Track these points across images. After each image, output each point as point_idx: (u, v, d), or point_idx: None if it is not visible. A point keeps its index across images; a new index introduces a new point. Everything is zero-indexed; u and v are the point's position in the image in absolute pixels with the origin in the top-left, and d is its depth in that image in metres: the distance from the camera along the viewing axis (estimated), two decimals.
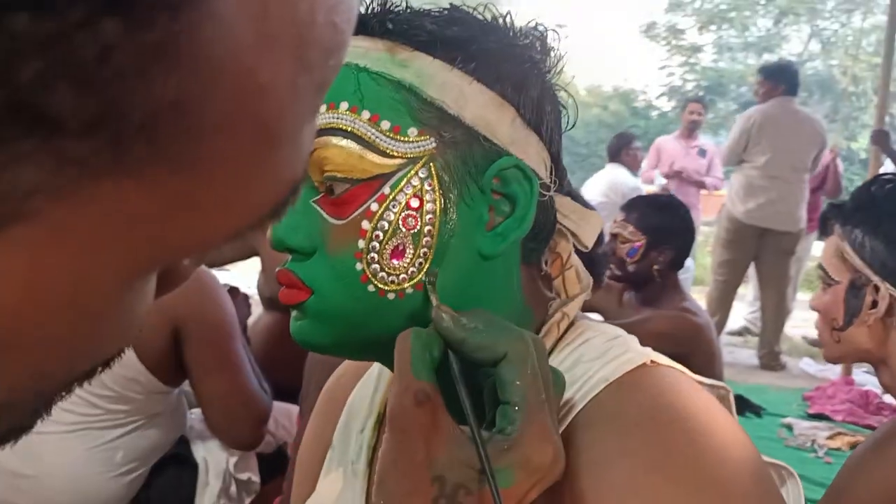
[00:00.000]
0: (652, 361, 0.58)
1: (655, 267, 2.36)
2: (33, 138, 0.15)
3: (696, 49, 19.08)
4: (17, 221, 0.16)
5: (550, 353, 0.60)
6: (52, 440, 1.61)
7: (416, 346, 0.49)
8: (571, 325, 0.62)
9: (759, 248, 4.61)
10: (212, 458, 1.86)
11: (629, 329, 0.64)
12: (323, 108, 0.54)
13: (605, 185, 5.12)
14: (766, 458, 0.59)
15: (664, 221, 2.39)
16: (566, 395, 0.56)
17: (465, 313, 0.52)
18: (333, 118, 0.53)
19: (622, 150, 5.27)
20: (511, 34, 0.58)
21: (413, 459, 0.47)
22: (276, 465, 1.88)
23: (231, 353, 1.63)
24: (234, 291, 1.87)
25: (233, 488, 1.91)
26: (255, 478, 1.94)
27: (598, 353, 0.58)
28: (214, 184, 0.19)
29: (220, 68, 0.17)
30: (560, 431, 0.54)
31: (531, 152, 0.57)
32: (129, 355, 1.56)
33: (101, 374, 0.24)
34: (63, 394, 0.23)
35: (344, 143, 0.53)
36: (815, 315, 1.35)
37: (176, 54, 0.16)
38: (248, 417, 1.66)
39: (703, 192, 5.54)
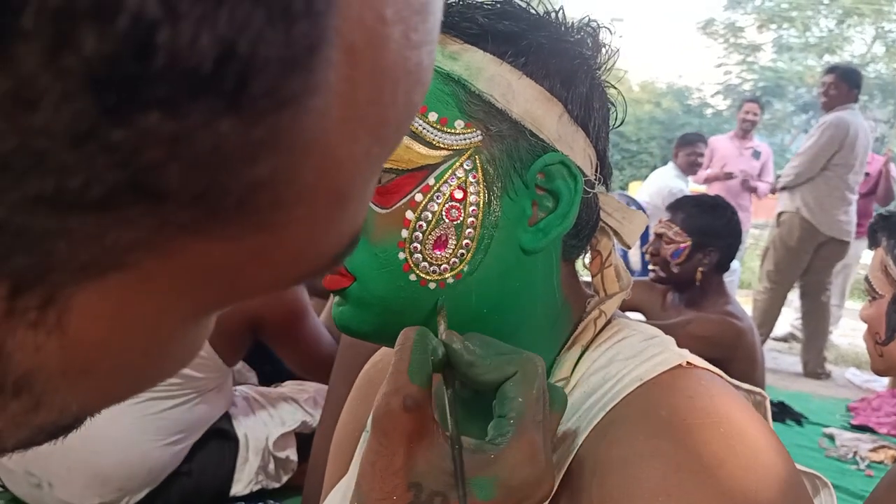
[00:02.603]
0: (688, 363, 0.57)
1: (700, 269, 2.33)
2: (142, 207, 0.17)
3: (755, 48, 18.69)
4: (114, 271, 0.18)
5: (586, 350, 0.60)
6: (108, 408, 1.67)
7: (419, 350, 0.48)
8: (608, 323, 0.62)
9: (812, 256, 4.52)
10: (252, 435, 1.90)
11: (671, 330, 0.64)
12: None
13: (657, 188, 4.97)
14: (800, 467, 0.58)
15: (710, 223, 2.35)
16: (599, 392, 0.56)
17: (468, 336, 0.52)
18: None
19: (681, 150, 5.11)
20: (562, 29, 0.58)
21: (391, 464, 0.46)
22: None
23: (303, 331, 1.86)
24: None
25: (271, 465, 1.95)
26: (294, 456, 1.98)
27: (633, 352, 0.58)
28: (288, 242, 0.21)
29: (308, 150, 0.19)
30: (591, 428, 0.55)
31: (577, 149, 0.57)
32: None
33: None
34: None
35: None
36: (863, 324, 1.33)
37: (276, 143, 0.18)
38: (322, 370, 1.83)
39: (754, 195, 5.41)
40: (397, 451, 0.46)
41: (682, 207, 2.43)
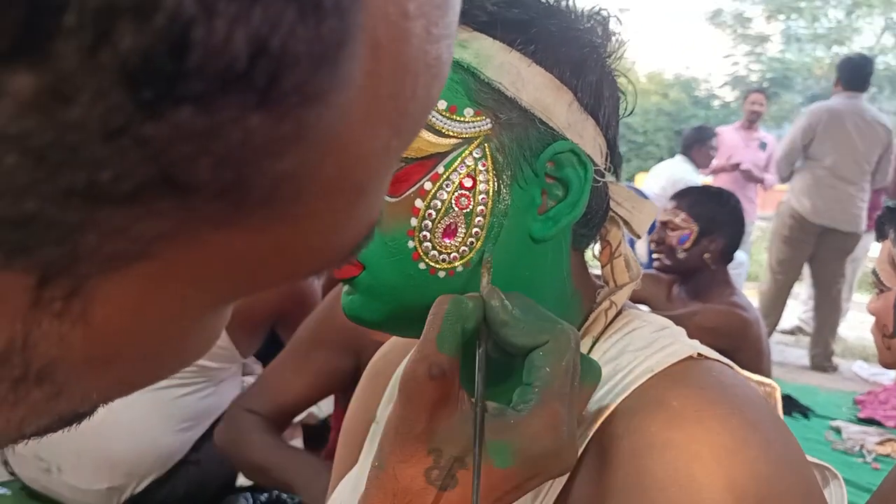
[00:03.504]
0: (699, 354, 0.57)
1: (706, 255, 2.34)
2: (170, 200, 0.17)
3: (763, 39, 18.61)
4: (138, 262, 0.18)
5: (597, 341, 0.60)
6: None
7: (451, 317, 0.48)
8: (619, 313, 0.62)
9: (816, 247, 4.50)
10: None
11: (677, 322, 0.63)
12: None
13: (666, 179, 4.94)
14: (810, 459, 0.58)
15: (716, 210, 2.36)
16: (609, 384, 0.56)
17: (509, 295, 0.52)
18: None
19: (696, 144, 5.06)
20: (572, 17, 0.58)
21: (413, 429, 0.47)
22: (320, 436, 1.92)
23: None
24: None
25: None
26: (300, 447, 1.99)
27: (644, 343, 0.58)
28: (308, 234, 0.21)
29: (331, 145, 0.19)
30: (602, 419, 0.54)
31: (587, 137, 0.57)
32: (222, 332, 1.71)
33: None
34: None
35: None
36: (870, 317, 1.32)
37: (301, 138, 0.18)
38: None
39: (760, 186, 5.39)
40: (420, 417, 0.47)
41: (688, 195, 2.45)
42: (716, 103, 19.21)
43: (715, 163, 5.26)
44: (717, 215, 2.35)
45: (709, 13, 18.91)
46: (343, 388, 1.55)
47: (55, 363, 0.19)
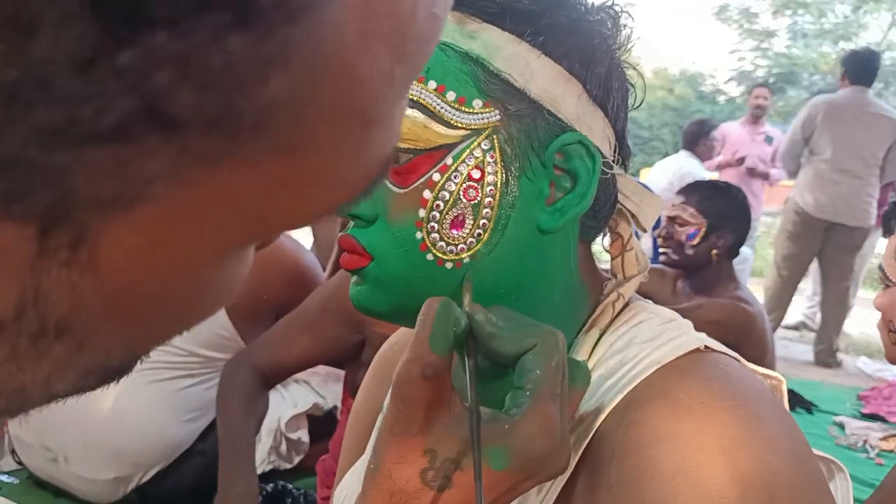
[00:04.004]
0: (706, 347, 0.57)
1: (714, 251, 2.34)
2: (159, 135, 0.17)
3: (770, 34, 18.54)
4: (140, 203, 0.18)
5: (604, 333, 0.60)
6: (125, 383, 1.70)
7: (441, 319, 0.48)
8: (626, 306, 0.62)
9: (824, 243, 4.47)
10: (265, 416, 1.92)
11: (681, 315, 0.64)
12: None
13: (673, 174, 4.92)
14: (815, 452, 0.58)
15: (724, 206, 2.36)
16: (616, 375, 0.56)
17: (492, 309, 0.52)
18: None
19: (700, 138, 5.03)
20: (581, 9, 0.58)
21: (409, 429, 0.47)
22: (325, 427, 1.93)
23: None
24: None
25: (283, 446, 1.97)
26: (305, 438, 2.00)
27: (651, 336, 0.58)
28: (312, 167, 0.20)
29: (325, 66, 0.18)
30: (609, 410, 0.55)
31: (596, 129, 0.56)
32: (226, 321, 1.75)
33: (196, 330, 0.26)
34: (166, 342, 0.26)
35: (409, 112, 0.53)
36: (875, 313, 1.32)
37: (289, 59, 0.17)
38: None
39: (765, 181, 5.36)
40: (415, 417, 0.47)
41: (697, 190, 2.44)
42: (721, 98, 19.16)
43: (720, 158, 5.24)
44: (725, 211, 2.35)
45: (715, 8, 18.86)
46: (344, 359, 1.60)
47: (72, 315, 0.19)
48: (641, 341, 0.58)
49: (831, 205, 4.35)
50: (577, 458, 0.55)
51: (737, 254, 2.42)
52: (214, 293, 0.24)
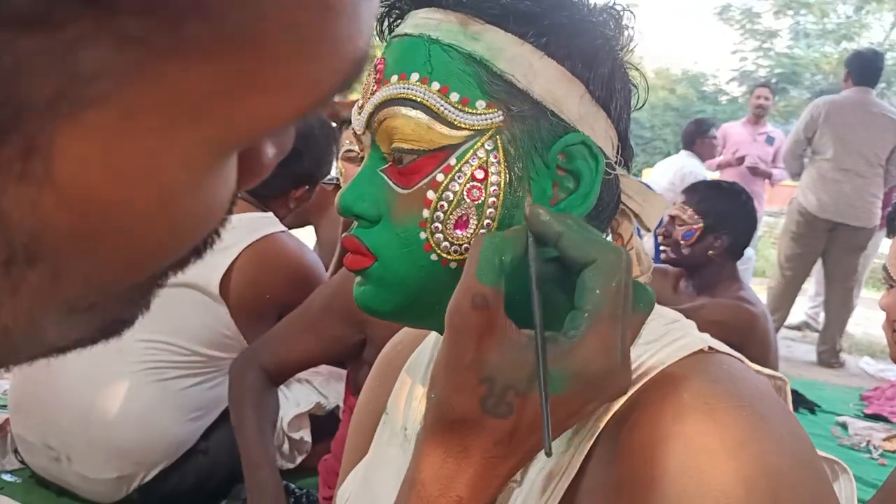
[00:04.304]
0: (710, 348, 0.57)
1: (710, 252, 2.34)
2: (89, 17, 0.16)
3: (772, 34, 18.53)
4: (87, 106, 0.17)
5: None
6: (127, 382, 1.70)
7: (487, 251, 0.49)
8: None
9: (828, 243, 4.46)
10: (278, 414, 1.92)
11: (684, 315, 0.64)
12: (394, 78, 0.55)
13: (674, 173, 4.92)
14: (820, 453, 0.58)
15: (724, 207, 2.36)
16: None
17: (561, 215, 0.52)
18: (405, 88, 0.54)
19: (698, 138, 5.03)
20: (584, 10, 0.58)
21: (463, 359, 0.48)
22: (327, 427, 1.93)
23: None
24: None
25: (286, 446, 1.97)
26: (308, 437, 2.00)
27: (655, 336, 0.58)
28: (275, 59, 0.20)
29: None
30: (613, 411, 0.55)
31: (598, 129, 0.57)
32: (229, 321, 1.75)
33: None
34: (159, 284, 0.25)
35: (413, 113, 0.54)
36: (879, 313, 1.32)
37: None
38: None
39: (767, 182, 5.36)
40: (468, 347, 0.48)
41: (699, 191, 2.44)
42: (723, 98, 19.15)
43: (721, 158, 5.24)
44: (724, 212, 2.34)
45: (717, 8, 18.86)
46: (346, 358, 1.61)
47: (39, 238, 0.19)
48: (645, 342, 0.58)
49: (834, 205, 4.34)
50: (582, 458, 0.55)
51: (740, 255, 2.42)
52: (192, 214, 0.22)
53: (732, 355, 0.59)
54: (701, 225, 2.33)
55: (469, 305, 0.47)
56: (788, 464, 0.50)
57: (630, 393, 0.55)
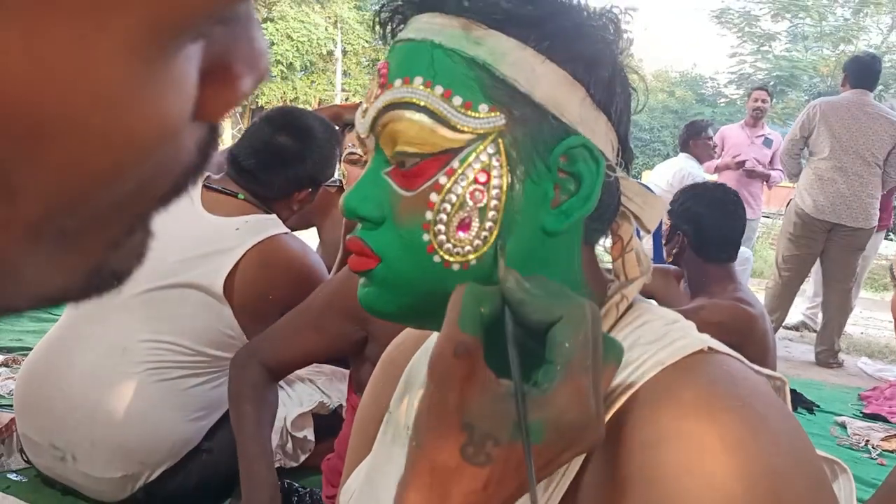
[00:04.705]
0: (709, 348, 0.58)
1: (674, 251, 2.36)
2: None
3: (770, 37, 18.55)
4: None
5: (608, 334, 0.61)
6: (132, 382, 1.71)
7: (467, 301, 0.49)
8: (630, 307, 0.63)
9: (826, 244, 4.46)
10: (277, 410, 1.93)
11: (683, 316, 0.64)
12: (398, 82, 0.55)
13: (673, 175, 4.91)
14: (819, 452, 0.58)
15: (684, 205, 2.37)
16: (620, 377, 0.57)
17: (528, 278, 0.53)
18: (408, 92, 0.55)
19: (691, 140, 5.03)
20: (585, 15, 0.59)
21: (446, 406, 0.48)
22: (330, 426, 1.94)
23: None
24: None
25: (289, 445, 1.98)
26: (311, 436, 2.01)
27: (655, 337, 0.59)
28: None
29: None
30: (614, 411, 0.55)
31: (599, 132, 0.58)
32: (232, 321, 1.77)
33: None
34: (143, 223, 0.23)
35: (417, 117, 0.54)
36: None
37: None
38: None
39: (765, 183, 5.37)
40: (450, 393, 0.48)
41: (678, 193, 2.48)
42: (721, 101, 19.17)
43: (720, 161, 5.25)
44: (684, 210, 2.34)
45: (715, 11, 18.89)
46: (348, 355, 1.61)
47: None
48: (645, 342, 0.59)
49: (831, 206, 4.34)
50: (582, 457, 0.56)
51: (713, 251, 2.35)
52: (140, 117, 0.20)
53: (732, 355, 0.59)
54: (668, 225, 2.35)
55: (451, 353, 0.48)
56: (788, 463, 0.50)
57: (631, 392, 0.55)
